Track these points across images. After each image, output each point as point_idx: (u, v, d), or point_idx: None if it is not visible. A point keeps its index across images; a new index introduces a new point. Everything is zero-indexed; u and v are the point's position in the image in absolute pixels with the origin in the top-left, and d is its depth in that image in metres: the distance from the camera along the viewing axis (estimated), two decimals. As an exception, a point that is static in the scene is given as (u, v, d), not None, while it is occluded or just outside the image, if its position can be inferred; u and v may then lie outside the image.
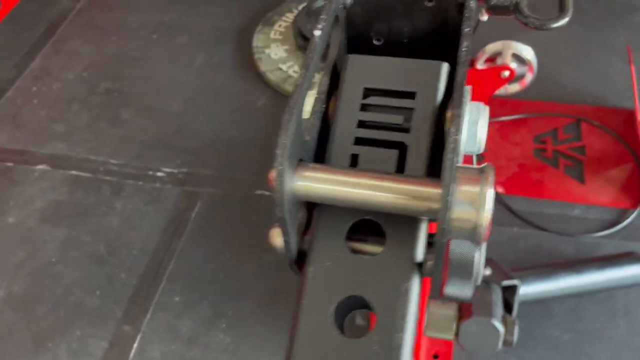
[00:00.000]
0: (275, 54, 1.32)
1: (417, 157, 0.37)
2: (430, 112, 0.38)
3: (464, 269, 0.36)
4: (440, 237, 0.32)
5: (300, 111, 0.36)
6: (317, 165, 0.36)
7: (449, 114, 0.31)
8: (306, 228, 0.39)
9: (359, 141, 0.39)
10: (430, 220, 0.37)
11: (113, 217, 1.10)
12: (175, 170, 1.16)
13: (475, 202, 0.32)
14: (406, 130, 0.38)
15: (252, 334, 0.94)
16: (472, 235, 0.33)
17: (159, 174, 1.16)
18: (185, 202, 1.11)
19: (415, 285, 0.35)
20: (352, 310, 0.37)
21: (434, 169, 0.38)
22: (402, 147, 0.38)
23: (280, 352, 0.92)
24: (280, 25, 1.39)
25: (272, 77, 1.28)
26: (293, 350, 0.35)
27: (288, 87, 1.26)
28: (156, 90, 1.31)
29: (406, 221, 0.36)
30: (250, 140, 1.20)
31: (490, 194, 0.32)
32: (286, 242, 0.36)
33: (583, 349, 0.89)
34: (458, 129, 0.31)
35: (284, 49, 1.33)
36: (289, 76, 1.28)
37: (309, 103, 0.42)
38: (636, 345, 0.88)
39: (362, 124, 0.39)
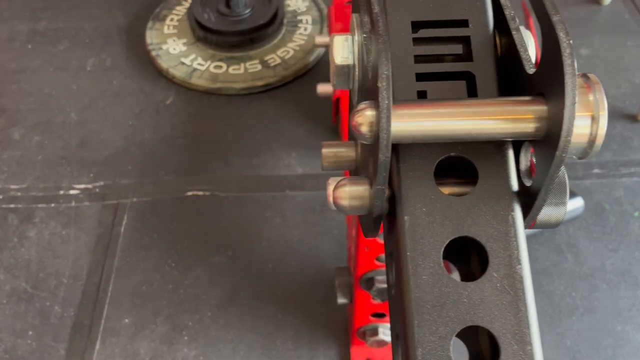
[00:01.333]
0: (174, 49, 1.24)
1: (488, 84, 0.35)
2: (488, 38, 0.36)
3: (561, 189, 0.35)
4: (560, 157, 0.30)
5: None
6: (408, 101, 0.32)
7: (555, 18, 0.29)
8: None
9: (421, 77, 0.36)
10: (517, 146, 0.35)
11: (29, 247, 0.97)
12: (89, 185, 1.05)
13: (592, 112, 0.30)
14: (469, 59, 0.36)
15: (218, 341, 0.88)
16: (587, 149, 0.31)
17: (72, 191, 1.04)
18: (110, 217, 1.01)
19: (519, 214, 0.33)
20: (460, 253, 0.35)
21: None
22: (468, 77, 0.36)
23: (255, 354, 0.86)
24: (172, 20, 1.30)
25: (177, 72, 1.20)
26: (410, 307, 0.32)
27: (196, 81, 1.19)
28: (46, 103, 1.18)
29: (494, 151, 0.34)
30: (167, 139, 1.12)
31: (605, 102, 0.30)
32: (379, 193, 0.32)
33: (541, 287, 0.93)
34: (568, 34, 0.29)
35: (182, 43, 1.26)
36: (195, 69, 1.20)
37: (345, 48, 0.38)
38: (585, 273, 0.94)
39: (419, 60, 0.36)
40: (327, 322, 0.89)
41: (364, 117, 0.31)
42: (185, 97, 1.19)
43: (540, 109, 0.31)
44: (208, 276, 0.94)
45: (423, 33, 0.36)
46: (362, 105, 0.31)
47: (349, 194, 0.35)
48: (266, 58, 1.22)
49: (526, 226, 0.36)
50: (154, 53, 1.24)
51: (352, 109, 0.48)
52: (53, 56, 1.27)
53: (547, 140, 0.31)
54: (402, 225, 0.33)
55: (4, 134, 1.12)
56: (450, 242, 0.32)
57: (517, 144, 0.35)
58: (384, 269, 0.70)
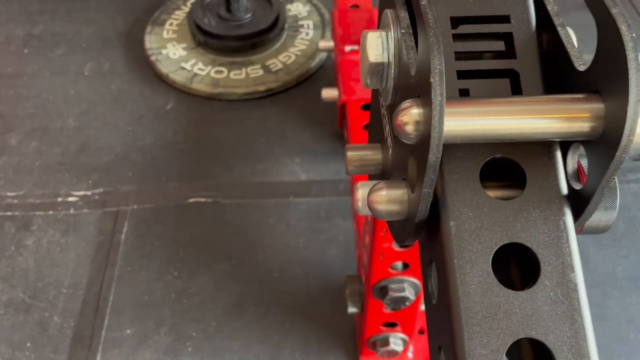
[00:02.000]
0: (174, 54, 1.22)
1: (533, 82, 0.34)
2: (531, 35, 0.35)
3: (613, 192, 0.33)
4: (620, 158, 0.28)
5: None
6: (457, 99, 0.31)
7: (614, 10, 0.28)
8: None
9: (463, 74, 0.34)
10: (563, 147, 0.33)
11: (27, 256, 0.94)
12: (89, 192, 1.03)
13: None
14: (512, 56, 0.34)
15: (224, 351, 0.85)
16: None
17: (71, 199, 1.02)
18: (110, 224, 0.98)
19: (570, 219, 0.32)
20: (510, 261, 0.33)
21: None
22: (512, 75, 0.34)
23: (261, 363, 0.84)
24: (171, 24, 1.29)
25: (177, 77, 1.18)
26: (459, 318, 0.30)
27: (197, 86, 1.17)
28: (44, 108, 1.15)
29: (541, 152, 0.33)
30: (169, 145, 1.09)
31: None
32: (425, 197, 0.30)
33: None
34: (629, 27, 0.28)
35: (182, 48, 1.24)
36: (195, 74, 1.19)
37: (380, 45, 0.36)
38: (596, 280, 0.93)
39: (459, 57, 0.35)
40: (336, 332, 0.87)
41: (410, 115, 0.29)
42: (186, 103, 1.17)
43: (597, 107, 0.29)
44: (212, 284, 0.92)
45: (463, 29, 0.35)
46: (406, 103, 0.29)
47: (387, 197, 0.33)
48: (268, 63, 1.21)
49: (575, 231, 0.34)
50: (153, 58, 1.21)
51: (374, 110, 0.46)
52: (50, 61, 1.24)
53: (604, 140, 0.30)
54: (448, 231, 0.31)
55: (1, 140, 1.10)
56: (500, 248, 0.31)
57: (564, 145, 0.33)
58: (397, 277, 0.68)
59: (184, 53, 1.23)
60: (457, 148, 0.32)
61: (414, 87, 0.31)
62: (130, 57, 1.25)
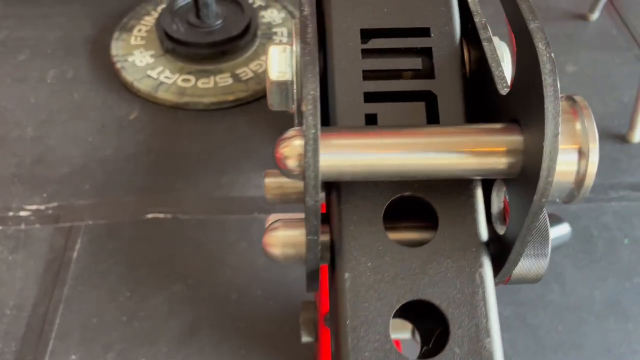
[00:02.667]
0: (140, 61, 1.18)
1: (452, 107, 0.29)
2: (454, 50, 0.30)
3: (542, 237, 0.28)
4: (539, 202, 0.23)
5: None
6: (346, 129, 0.26)
7: (532, 25, 0.23)
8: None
9: (371, 97, 0.29)
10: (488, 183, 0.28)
11: (-29, 273, 0.89)
12: (42, 206, 0.97)
13: (580, 144, 0.24)
14: (430, 75, 0.29)
15: (174, 379, 0.80)
16: (574, 191, 0.25)
17: (23, 213, 0.96)
18: (62, 240, 0.93)
19: (489, 271, 0.27)
20: (415, 322, 0.28)
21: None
22: (428, 98, 0.29)
23: (213, 393, 0.79)
24: (140, 30, 1.24)
25: (142, 86, 1.13)
26: None
27: (162, 95, 1.12)
28: (1, 116, 1.11)
29: (458, 190, 0.28)
30: (130, 156, 1.04)
31: (595, 131, 0.24)
32: (311, 245, 0.26)
33: (525, 321, 0.86)
34: (548, 44, 0.23)
35: (149, 55, 1.19)
36: (161, 83, 1.14)
37: (283, 61, 0.32)
38: (573, 305, 0.88)
39: (368, 76, 0.30)
40: (295, 359, 0.82)
41: (292, 148, 0.24)
42: (150, 112, 1.12)
43: (515, 139, 0.24)
44: (166, 307, 0.87)
45: (374, 44, 0.30)
46: (290, 133, 0.25)
47: (283, 240, 0.29)
48: (238, 71, 1.16)
49: (497, 284, 0.29)
50: (119, 65, 1.17)
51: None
52: (12, 67, 1.19)
53: (524, 179, 0.25)
54: (342, 284, 0.26)
55: (-47, 150, 1.05)
56: (402, 306, 0.26)
57: (488, 182, 0.29)
58: (351, 306, 0.63)
59: (151, 60, 1.18)
60: (359, 185, 0.28)
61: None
62: (96, 64, 1.21)
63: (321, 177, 0.24)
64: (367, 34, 0.30)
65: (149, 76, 1.15)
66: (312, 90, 0.22)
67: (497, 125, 0.25)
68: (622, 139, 1.07)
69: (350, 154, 0.25)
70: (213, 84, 1.13)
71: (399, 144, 0.25)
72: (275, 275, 0.90)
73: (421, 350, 0.27)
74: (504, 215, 0.28)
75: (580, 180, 0.24)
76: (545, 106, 0.22)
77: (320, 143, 0.24)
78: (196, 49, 1.16)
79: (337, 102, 0.29)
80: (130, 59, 1.18)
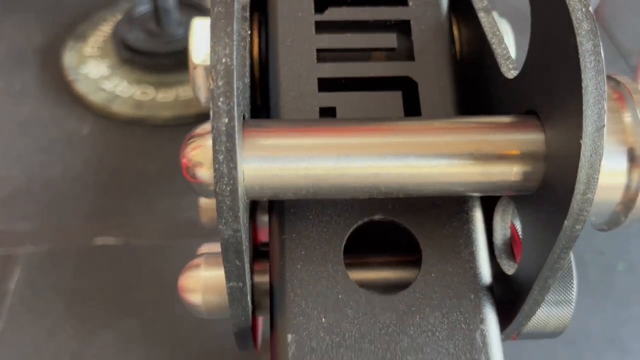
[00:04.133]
0: (95, 73, 1.08)
1: (439, 98, 0.21)
2: (440, 24, 0.22)
3: (566, 278, 0.20)
4: (571, 229, 0.15)
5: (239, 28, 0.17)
6: (283, 123, 0.18)
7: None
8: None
9: (327, 85, 0.21)
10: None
11: None
12: (-23, 231, 0.87)
13: (633, 143, 0.16)
14: (409, 56, 0.21)
15: None
16: (620, 213, 0.17)
17: (-46, 239, 0.86)
18: (-2, 270, 0.83)
19: (494, 329, 0.19)
20: None
21: None
22: (406, 85, 0.21)
23: None
24: (95, 40, 1.15)
25: (95, 99, 1.04)
26: None
27: (117, 109, 1.02)
28: (-64, 131, 1.00)
29: (449, 213, 0.19)
30: (78, 176, 0.94)
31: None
32: (237, 292, 0.18)
33: (520, 359, 0.78)
34: (589, 11, 0.15)
35: (105, 66, 1.10)
36: (117, 96, 1.04)
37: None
38: (568, 339, 0.80)
39: (324, 57, 0.22)
40: (259, 404, 0.72)
41: (204, 150, 0.16)
42: (104, 128, 1.02)
43: (533, 138, 0.16)
44: (115, 345, 0.77)
45: (333, 14, 0.22)
46: (203, 127, 0.17)
47: (204, 283, 0.20)
48: (201, 84, 1.07)
49: (504, 340, 0.21)
50: (71, 77, 1.07)
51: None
52: (-49, 78, 1.09)
53: (546, 196, 0.17)
54: (283, 351, 0.18)
55: None
56: None
57: (489, 199, 0.20)
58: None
59: (106, 72, 1.09)
60: (310, 204, 0.19)
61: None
62: (46, 76, 1.11)
63: (244, 194, 0.15)
64: (323, 1, 0.22)
65: (103, 89, 1.05)
66: (226, 57, 0.14)
67: (506, 119, 0.17)
68: (611, 156, 1.01)
69: (290, 159, 0.16)
70: (174, 97, 1.05)
71: (364, 144, 0.16)
72: (239, 308, 0.81)
73: None
74: (511, 246, 0.20)
75: (630, 199, 0.16)
76: (584, 85, 0.14)
77: (244, 142, 0.16)
78: (156, 58, 1.07)
79: (280, 92, 0.21)
80: (83, 70, 1.09)
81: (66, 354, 0.75)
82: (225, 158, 0.14)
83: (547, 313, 0.20)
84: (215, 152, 0.15)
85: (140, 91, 1.05)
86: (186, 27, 1.11)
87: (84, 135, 1.01)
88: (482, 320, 0.18)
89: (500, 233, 0.19)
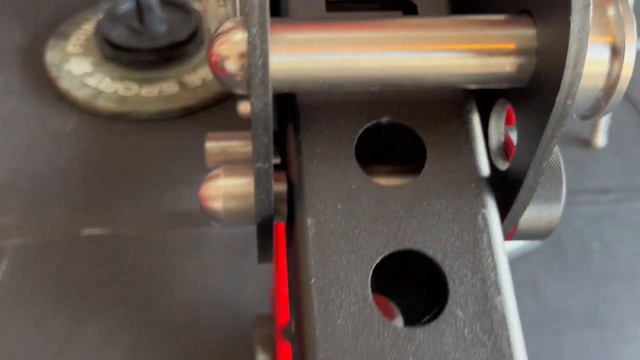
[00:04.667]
0: (78, 69, 1.09)
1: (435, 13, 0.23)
2: None
3: (555, 175, 0.22)
4: (562, 107, 0.17)
5: None
6: (304, 20, 0.19)
7: None
8: None
9: (333, 7, 0.23)
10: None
11: None
12: (-38, 226, 0.87)
13: (613, 36, 0.18)
14: None
15: (112, 415, 0.70)
16: (601, 100, 0.18)
17: (-61, 233, 0.85)
18: (-15, 263, 0.83)
19: (494, 213, 0.20)
20: (400, 279, 0.21)
21: None
22: (406, 8, 0.23)
23: None
24: (78, 38, 1.15)
25: (79, 94, 1.04)
26: None
27: (101, 104, 1.03)
28: None
29: (449, 115, 0.21)
30: (64, 171, 0.95)
31: (633, 21, 0.18)
32: (263, 174, 0.19)
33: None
34: None
35: (88, 63, 1.10)
36: (101, 92, 1.05)
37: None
38: (548, 316, 0.82)
39: None
40: (249, 386, 0.73)
41: (231, 44, 0.18)
42: (88, 123, 1.03)
43: (526, 33, 0.18)
44: (104, 333, 0.77)
45: None
46: (226, 25, 0.18)
47: (225, 190, 0.22)
48: (185, 79, 1.08)
49: (504, 237, 0.23)
50: (54, 74, 1.08)
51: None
52: None
53: (536, 87, 0.18)
54: (304, 233, 0.19)
55: None
56: (385, 259, 0.19)
57: (483, 108, 0.22)
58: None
59: (89, 69, 1.09)
60: (322, 108, 0.21)
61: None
62: (29, 73, 1.11)
63: (271, 83, 0.17)
64: None
65: (86, 85, 1.06)
66: None
67: (501, 17, 0.19)
68: (587, 143, 1.04)
69: (312, 52, 0.18)
70: (157, 92, 1.06)
71: (378, 38, 0.18)
72: (228, 295, 0.82)
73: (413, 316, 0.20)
74: (504, 149, 0.22)
75: (611, 86, 0.18)
76: None
77: (275, 38, 0.17)
78: (139, 55, 1.08)
79: (290, 12, 0.22)
80: (66, 67, 1.09)
81: (55, 342, 0.76)
82: (258, 31, 0.16)
83: (539, 210, 0.22)
84: (249, 26, 0.16)
85: (124, 87, 1.06)
86: (168, 24, 1.12)
87: (68, 131, 1.01)
88: (483, 205, 0.20)
89: (495, 138, 0.21)
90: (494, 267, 0.19)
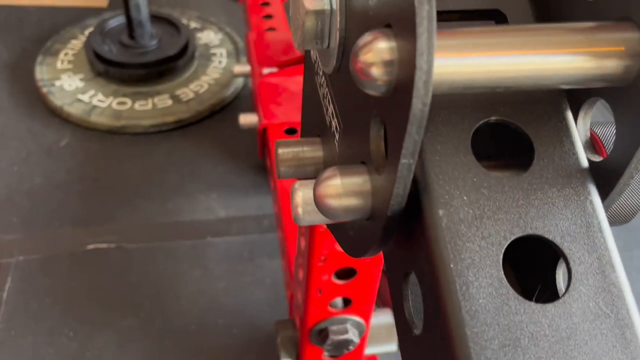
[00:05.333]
0: (69, 85, 1.09)
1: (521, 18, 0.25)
2: None
3: None
4: None
5: None
6: (447, 29, 0.21)
7: None
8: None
9: None
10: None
11: None
12: (-38, 244, 0.86)
13: None
14: None
15: None
16: None
17: (-61, 252, 0.84)
18: (-12, 280, 0.82)
19: (598, 200, 0.23)
20: (525, 260, 0.24)
21: None
22: (496, 17, 0.26)
23: None
24: (67, 54, 1.15)
25: (73, 110, 1.04)
26: (467, 352, 0.20)
27: (96, 119, 1.03)
28: None
29: (549, 112, 0.24)
30: (62, 185, 0.95)
31: None
32: (406, 169, 0.21)
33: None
34: None
35: (78, 79, 1.10)
36: (94, 106, 1.05)
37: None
38: None
39: None
40: (266, 390, 0.75)
41: (376, 51, 0.20)
42: (83, 138, 1.03)
43: (632, 37, 0.21)
44: (116, 345, 0.77)
45: None
46: (368, 36, 0.20)
47: (343, 188, 0.24)
48: (177, 92, 1.10)
49: (617, 222, 0.25)
50: (44, 90, 1.07)
51: (309, 96, 0.37)
52: None
53: (638, 86, 0.22)
54: (436, 224, 0.22)
55: None
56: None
57: (572, 108, 0.25)
58: (339, 316, 0.58)
59: (81, 84, 1.09)
60: (439, 110, 0.23)
61: (377, 19, 0.22)
62: (18, 90, 1.10)
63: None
64: None
65: (79, 100, 1.06)
66: None
67: (605, 23, 0.22)
68: None
69: (447, 57, 0.20)
70: (151, 106, 1.06)
71: (515, 42, 0.21)
72: (235, 302, 0.83)
73: (536, 294, 0.23)
74: (592, 144, 0.25)
75: None
76: None
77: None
78: (131, 70, 1.09)
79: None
80: (57, 83, 1.09)
81: (68, 356, 0.75)
82: (427, 38, 0.18)
83: (627, 197, 0.25)
84: (419, 34, 0.18)
85: (117, 102, 1.07)
86: (158, 39, 1.13)
87: (63, 146, 1.01)
88: (589, 193, 0.22)
89: (583, 133, 0.24)
90: (606, 247, 0.22)
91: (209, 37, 1.22)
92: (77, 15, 1.26)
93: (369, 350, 0.65)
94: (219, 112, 1.09)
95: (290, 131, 0.85)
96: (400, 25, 0.19)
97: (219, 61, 1.17)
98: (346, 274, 0.54)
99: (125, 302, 0.81)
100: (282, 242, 0.78)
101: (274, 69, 0.93)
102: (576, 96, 0.24)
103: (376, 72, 0.20)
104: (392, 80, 0.20)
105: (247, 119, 0.89)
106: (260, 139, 0.87)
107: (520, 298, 0.21)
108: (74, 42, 1.18)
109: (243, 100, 1.12)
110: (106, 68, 1.09)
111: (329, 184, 0.24)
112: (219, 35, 1.23)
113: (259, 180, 0.97)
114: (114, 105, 1.06)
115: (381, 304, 0.62)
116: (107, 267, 0.85)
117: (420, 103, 0.19)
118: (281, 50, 0.96)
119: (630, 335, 0.21)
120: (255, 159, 0.98)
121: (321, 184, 0.24)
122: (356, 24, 0.24)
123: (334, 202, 0.23)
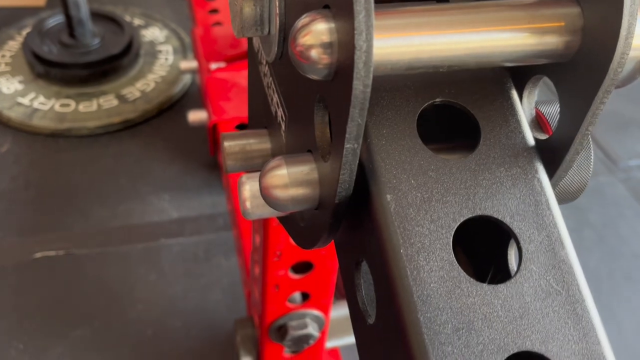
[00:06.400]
0: (7, 89, 1.04)
1: None
2: None
3: (586, 146, 0.25)
4: (612, 78, 0.20)
5: None
6: (382, 6, 0.21)
7: None
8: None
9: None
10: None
11: None
12: None
13: None
14: None
15: None
16: (636, 72, 0.21)
17: None
18: None
19: (545, 178, 0.23)
20: (475, 241, 0.23)
21: None
22: None
23: None
24: (3, 56, 1.10)
25: (12, 114, 1.00)
26: (420, 337, 0.20)
27: (37, 123, 0.99)
28: None
29: (494, 92, 0.24)
30: (4, 194, 0.91)
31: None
32: (351, 154, 0.20)
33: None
34: None
35: (17, 81, 1.06)
36: (36, 110, 1.01)
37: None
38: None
39: None
40: (228, 391, 0.73)
41: (314, 34, 0.19)
42: (25, 143, 0.99)
43: (572, 12, 0.21)
44: (69, 356, 0.74)
45: None
46: (306, 18, 0.19)
47: (290, 178, 0.23)
48: (123, 92, 1.06)
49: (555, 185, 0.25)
50: (-19, 94, 1.03)
51: (254, 86, 0.35)
52: None
53: (580, 61, 0.21)
54: (384, 209, 0.21)
55: None
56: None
57: (516, 86, 0.25)
58: (297, 311, 0.57)
59: (20, 87, 1.05)
60: (382, 93, 0.23)
61: (316, 0, 0.21)
62: (-48, 96, 1.05)
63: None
64: None
65: (19, 103, 1.02)
66: None
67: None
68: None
69: (388, 37, 0.20)
70: (96, 107, 1.03)
71: (457, 20, 0.20)
72: (193, 303, 0.81)
73: (490, 275, 0.22)
74: (537, 122, 0.25)
75: None
76: None
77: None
78: (73, 70, 1.05)
79: None
80: (-6, 87, 1.04)
81: (18, 371, 0.72)
82: (365, 17, 0.17)
83: (572, 175, 0.25)
84: (356, 12, 0.17)
85: (60, 104, 1.03)
86: (101, 38, 1.10)
87: (4, 152, 0.97)
88: (536, 171, 0.22)
89: (528, 111, 0.24)
90: (555, 225, 0.22)
91: (154, 34, 1.19)
92: (13, 16, 1.21)
93: (330, 344, 0.64)
94: (168, 111, 1.07)
95: (242, 127, 0.83)
96: (338, 4, 0.18)
97: (165, 58, 1.14)
98: (303, 268, 0.53)
99: (77, 311, 0.79)
100: (238, 240, 0.77)
101: (222, 64, 0.91)
102: (520, 75, 0.24)
103: (316, 54, 0.19)
104: (332, 62, 0.19)
105: (197, 116, 0.88)
106: (211, 136, 0.85)
107: (472, 280, 0.20)
108: (11, 43, 1.13)
109: (191, 97, 1.10)
110: (47, 69, 1.05)
111: (274, 174, 0.23)
112: (165, 32, 1.20)
113: (212, 179, 0.95)
114: (57, 108, 1.02)
115: (340, 296, 0.62)
116: (56, 275, 0.82)
117: (361, 84, 0.18)
118: (228, 45, 0.94)
119: (582, 311, 0.21)
120: (206, 157, 0.96)
121: (266, 174, 0.23)
122: (296, 8, 0.23)
123: (280, 193, 0.23)
